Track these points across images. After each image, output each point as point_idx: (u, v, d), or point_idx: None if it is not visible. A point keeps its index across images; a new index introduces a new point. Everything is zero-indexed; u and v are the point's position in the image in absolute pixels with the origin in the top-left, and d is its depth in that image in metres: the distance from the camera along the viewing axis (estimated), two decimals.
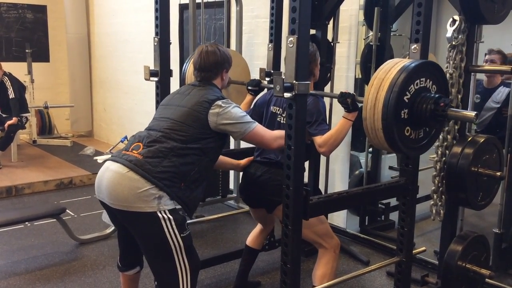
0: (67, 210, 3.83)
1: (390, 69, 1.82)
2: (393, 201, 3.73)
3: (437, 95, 1.86)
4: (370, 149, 3.98)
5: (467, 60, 2.48)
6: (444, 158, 2.50)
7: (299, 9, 1.75)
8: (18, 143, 6.10)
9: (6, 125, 5.39)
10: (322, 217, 2.48)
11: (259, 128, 2.21)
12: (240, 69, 3.16)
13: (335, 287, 2.36)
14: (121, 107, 6.85)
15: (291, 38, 1.77)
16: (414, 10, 2.13)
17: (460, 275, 2.41)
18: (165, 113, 2.21)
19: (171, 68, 2.67)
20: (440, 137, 2.49)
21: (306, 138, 2.15)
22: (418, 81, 1.84)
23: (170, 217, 1.97)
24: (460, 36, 2.42)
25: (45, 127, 7.19)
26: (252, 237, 2.90)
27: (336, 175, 3.93)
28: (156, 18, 2.58)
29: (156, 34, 2.59)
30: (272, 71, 3.15)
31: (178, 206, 2.02)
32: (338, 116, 2.37)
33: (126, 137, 5.51)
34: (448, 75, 2.40)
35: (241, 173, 2.70)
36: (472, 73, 2.63)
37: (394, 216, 3.91)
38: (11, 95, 5.51)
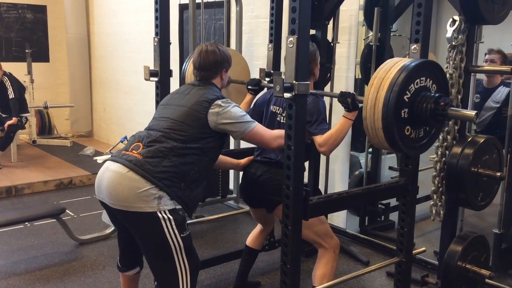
0: (66, 210, 3.83)
1: (390, 69, 1.82)
2: (393, 201, 3.72)
3: (437, 94, 1.86)
4: (370, 150, 3.97)
5: (467, 61, 2.47)
6: (444, 159, 2.50)
7: (299, 9, 1.74)
8: (18, 143, 6.10)
9: (6, 125, 5.39)
10: (322, 217, 2.47)
11: (258, 128, 2.20)
12: (240, 68, 3.16)
13: (335, 287, 2.35)
14: (121, 107, 6.85)
15: (291, 38, 1.77)
16: (414, 10, 2.13)
17: (460, 276, 2.41)
18: (164, 112, 2.20)
19: (171, 68, 2.67)
20: (440, 137, 2.49)
21: (306, 138, 2.15)
22: (418, 80, 1.84)
23: (170, 217, 1.97)
24: (460, 36, 2.42)
25: (45, 127, 7.19)
26: (252, 237, 2.89)
27: (336, 175, 3.93)
28: (156, 18, 2.58)
29: (156, 34, 2.59)
30: (272, 71, 3.15)
31: (178, 206, 2.02)
32: (338, 116, 2.37)
33: (126, 137, 5.51)
34: (448, 75, 2.40)
35: (241, 173, 2.70)
36: (472, 73, 2.63)
37: (394, 216, 3.91)
38: (11, 95, 5.51)
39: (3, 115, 5.58)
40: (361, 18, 3.76)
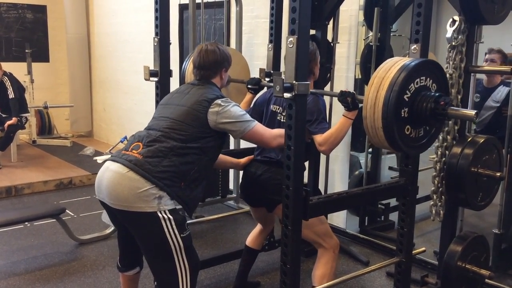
0: (66, 210, 3.82)
1: (390, 68, 1.82)
2: (393, 202, 3.73)
3: (437, 94, 1.86)
4: (370, 150, 3.97)
5: (467, 61, 2.47)
6: (444, 159, 2.50)
7: (299, 9, 1.74)
8: (17, 143, 6.10)
9: (6, 125, 5.39)
10: (322, 217, 2.48)
11: (258, 127, 2.20)
12: (240, 67, 3.16)
13: (334, 287, 2.35)
14: (121, 107, 6.85)
15: (291, 39, 1.77)
16: (414, 10, 2.13)
17: (460, 276, 2.41)
18: (164, 112, 2.20)
19: (171, 68, 2.66)
20: (440, 137, 2.49)
21: (306, 137, 2.15)
22: (418, 79, 1.84)
23: (170, 217, 1.96)
24: (460, 37, 2.42)
25: (45, 127, 7.19)
26: (251, 238, 2.89)
27: (336, 175, 3.93)
28: (156, 18, 2.58)
29: (156, 34, 2.59)
30: (272, 71, 3.15)
31: (178, 206, 2.02)
32: (338, 116, 2.37)
33: (125, 137, 5.51)
34: (448, 75, 2.40)
35: (241, 173, 2.70)
36: (472, 73, 2.63)
37: (394, 216, 3.90)
38: (11, 95, 5.51)
39: (3, 115, 5.58)
40: (361, 18, 3.76)
